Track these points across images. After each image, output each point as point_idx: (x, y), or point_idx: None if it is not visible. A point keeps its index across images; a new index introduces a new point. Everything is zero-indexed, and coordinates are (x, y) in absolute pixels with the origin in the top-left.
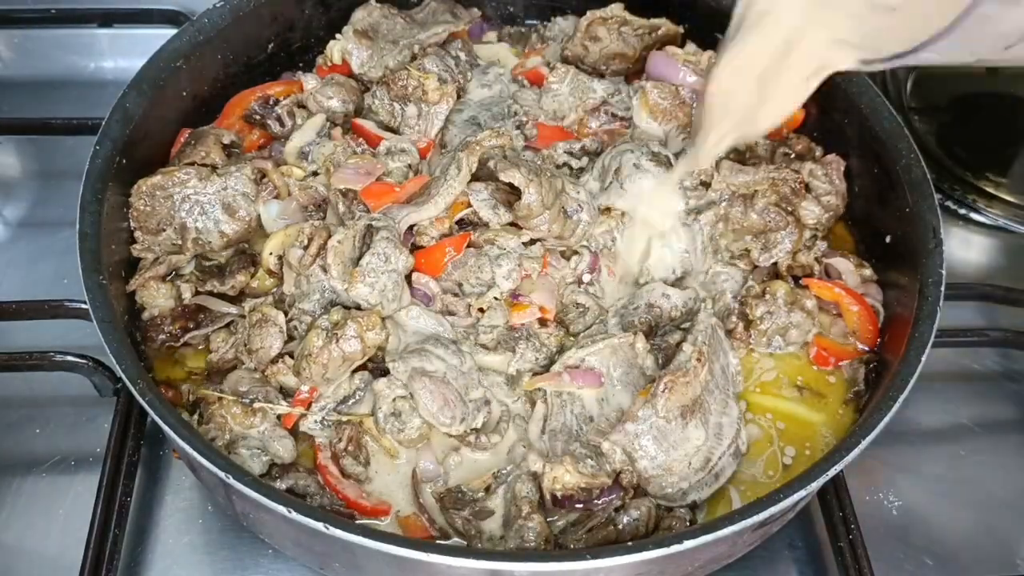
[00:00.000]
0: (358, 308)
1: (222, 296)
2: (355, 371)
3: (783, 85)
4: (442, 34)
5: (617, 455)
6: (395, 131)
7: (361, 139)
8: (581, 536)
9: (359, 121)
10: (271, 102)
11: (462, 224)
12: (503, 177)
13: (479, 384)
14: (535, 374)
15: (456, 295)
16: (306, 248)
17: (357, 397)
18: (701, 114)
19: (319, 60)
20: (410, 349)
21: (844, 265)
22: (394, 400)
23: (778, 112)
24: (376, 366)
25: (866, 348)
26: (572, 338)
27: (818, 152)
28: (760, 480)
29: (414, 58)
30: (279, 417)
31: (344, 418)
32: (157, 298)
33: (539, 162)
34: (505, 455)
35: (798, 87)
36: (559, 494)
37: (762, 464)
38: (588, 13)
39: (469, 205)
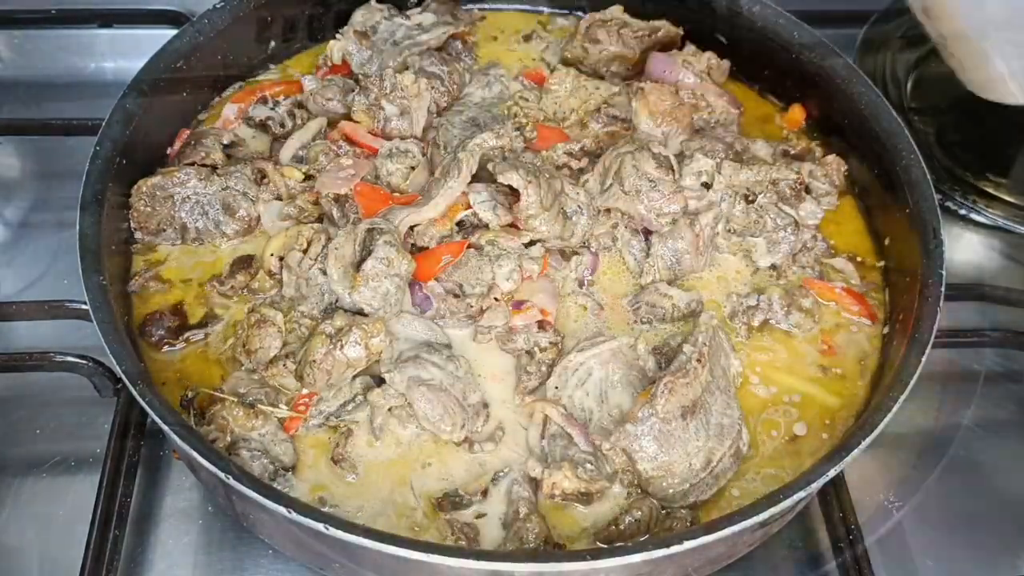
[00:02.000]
0: (360, 312)
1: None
2: (355, 376)
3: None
4: (442, 35)
5: (617, 456)
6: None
7: (341, 141)
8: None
9: (348, 127)
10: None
11: (462, 225)
12: (501, 179)
13: (476, 387)
14: (532, 390)
15: (457, 296)
16: (305, 251)
17: (356, 402)
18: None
19: (319, 60)
20: (404, 357)
21: (844, 265)
22: (389, 410)
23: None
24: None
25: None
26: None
27: (818, 152)
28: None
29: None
30: (280, 420)
31: (341, 424)
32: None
33: (538, 163)
34: (503, 458)
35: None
36: (558, 499)
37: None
38: (587, 16)
39: (469, 206)
